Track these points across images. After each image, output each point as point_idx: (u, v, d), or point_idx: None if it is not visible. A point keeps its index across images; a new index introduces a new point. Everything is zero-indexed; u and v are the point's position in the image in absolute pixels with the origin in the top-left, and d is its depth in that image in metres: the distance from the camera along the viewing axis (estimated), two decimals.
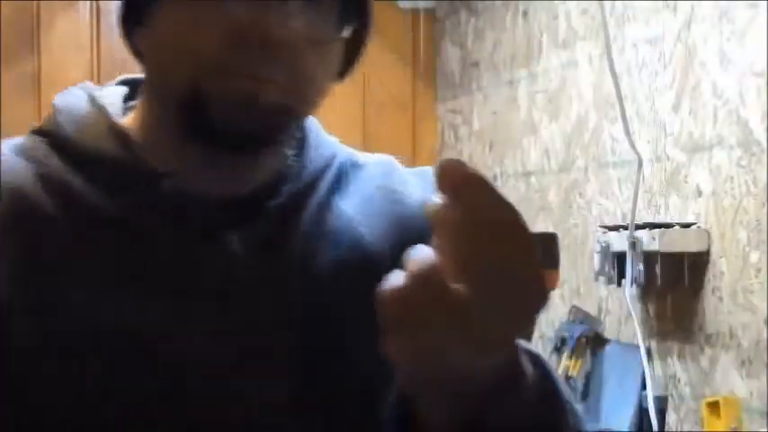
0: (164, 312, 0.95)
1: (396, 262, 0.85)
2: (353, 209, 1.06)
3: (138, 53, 1.01)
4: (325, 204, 1.05)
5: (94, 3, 3.82)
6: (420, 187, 1.12)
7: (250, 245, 1.00)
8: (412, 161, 4.23)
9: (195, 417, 0.95)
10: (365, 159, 1.13)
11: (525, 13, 3.44)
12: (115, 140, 1.00)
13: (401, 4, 4.07)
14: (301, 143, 1.08)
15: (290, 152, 1.06)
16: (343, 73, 1.06)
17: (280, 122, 0.98)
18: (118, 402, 0.93)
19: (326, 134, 1.14)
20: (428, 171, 1.13)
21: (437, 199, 0.75)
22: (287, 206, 1.03)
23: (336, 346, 1.00)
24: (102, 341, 0.94)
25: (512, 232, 0.74)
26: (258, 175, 1.03)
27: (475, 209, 0.74)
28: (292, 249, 1.01)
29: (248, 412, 0.96)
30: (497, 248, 0.73)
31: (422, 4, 4.08)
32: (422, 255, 0.74)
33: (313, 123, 1.12)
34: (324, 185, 1.06)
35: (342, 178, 1.09)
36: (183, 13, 0.96)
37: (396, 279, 0.74)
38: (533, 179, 3.37)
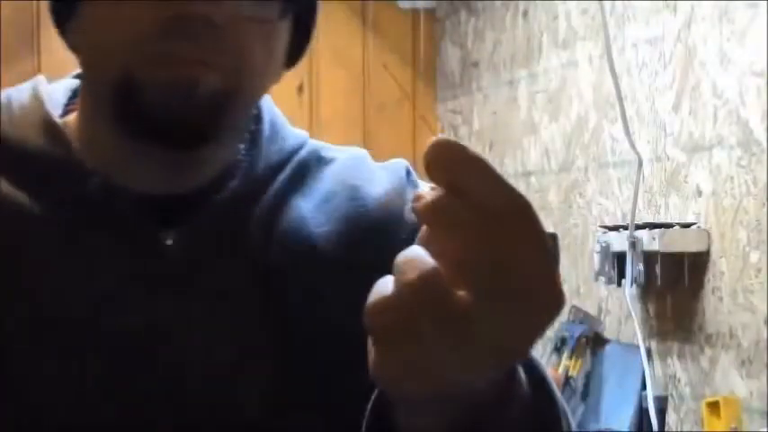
0: (87, 312, 0.91)
1: (353, 264, 0.81)
2: (311, 207, 0.99)
3: (74, 48, 0.95)
4: (279, 202, 0.98)
5: None
6: (387, 182, 1.02)
7: (185, 245, 0.94)
8: (412, 161, 4.23)
9: (134, 416, 0.91)
10: (333, 154, 1.04)
11: (525, 13, 3.44)
12: (47, 135, 0.95)
13: (401, 4, 4.07)
14: (255, 137, 1.00)
15: (241, 146, 0.99)
16: (291, 61, 1.00)
17: (221, 112, 0.90)
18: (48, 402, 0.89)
19: (290, 127, 1.05)
20: (400, 165, 1.05)
21: (426, 187, 0.63)
22: (232, 204, 0.96)
23: (277, 349, 0.94)
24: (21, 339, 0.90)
25: (522, 226, 0.61)
26: (206, 171, 0.97)
27: (477, 199, 0.60)
28: (233, 250, 0.95)
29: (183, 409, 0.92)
30: (505, 246, 0.60)
31: (422, 4, 4.08)
32: (414, 256, 0.61)
33: (273, 116, 1.03)
34: (279, 182, 0.98)
35: (302, 174, 1.01)
36: None
37: (384, 287, 0.62)
38: (533, 179, 3.37)
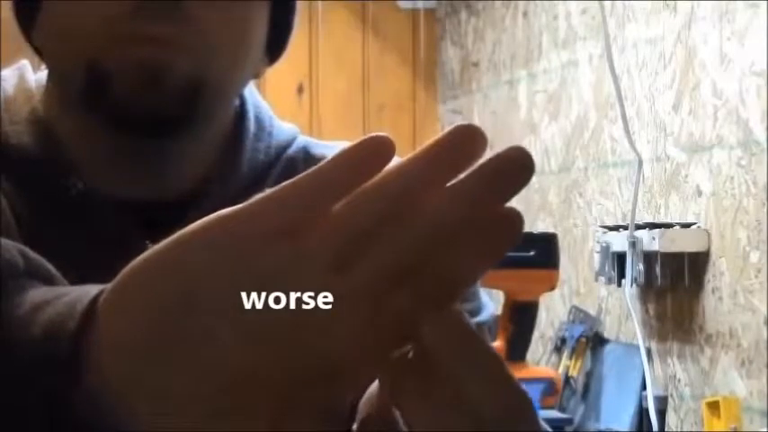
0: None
1: None
2: None
3: (39, 46, 0.92)
4: None
5: None
6: None
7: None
8: None
9: None
10: (322, 150, 0.99)
11: (525, 13, 3.44)
12: (35, 132, 0.90)
13: (401, 4, 4.07)
14: (239, 134, 0.95)
15: (224, 145, 0.94)
16: (273, 55, 0.96)
17: (194, 98, 0.85)
18: None
19: (278, 123, 1.00)
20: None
21: None
22: (217, 208, 0.93)
23: None
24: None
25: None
26: (186, 171, 0.92)
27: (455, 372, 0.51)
28: None
29: None
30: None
31: (422, 4, 4.08)
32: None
33: (258, 112, 0.98)
34: (267, 184, 0.92)
35: (291, 174, 0.97)
36: None
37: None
38: (533, 179, 3.36)
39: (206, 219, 0.52)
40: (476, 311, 1.00)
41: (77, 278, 0.84)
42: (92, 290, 0.55)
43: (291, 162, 0.96)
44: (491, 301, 1.05)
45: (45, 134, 0.91)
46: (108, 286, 0.53)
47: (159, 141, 0.89)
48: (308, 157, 0.97)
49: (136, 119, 0.85)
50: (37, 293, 0.57)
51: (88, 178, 0.89)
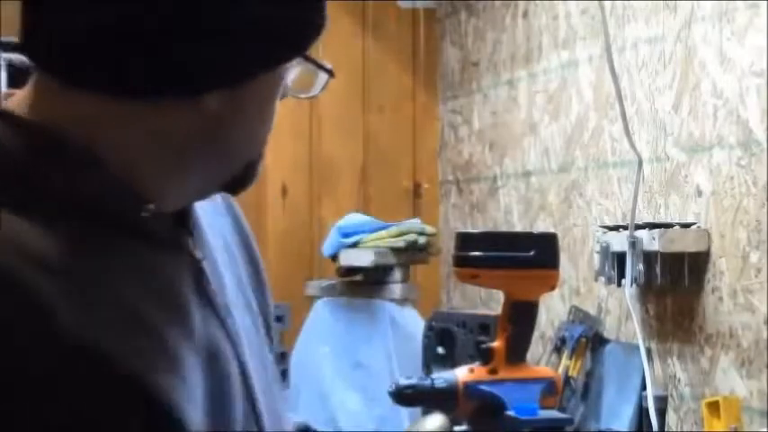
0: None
1: None
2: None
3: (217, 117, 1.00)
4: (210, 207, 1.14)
5: None
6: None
7: (203, 256, 1.05)
8: (412, 161, 4.24)
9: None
10: None
11: (525, 13, 3.44)
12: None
13: (401, 4, 4.07)
14: None
15: None
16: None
17: None
18: None
19: None
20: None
21: None
22: (195, 211, 1.07)
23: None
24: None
25: None
26: None
27: None
28: (215, 260, 1.08)
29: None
30: None
31: (422, 4, 4.08)
32: None
33: None
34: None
35: None
36: (264, 106, 1.04)
37: None
38: (533, 179, 3.37)
39: None
40: None
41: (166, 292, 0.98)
42: None
43: None
44: None
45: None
46: None
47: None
48: None
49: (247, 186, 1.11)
50: None
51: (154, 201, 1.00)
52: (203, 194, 1.06)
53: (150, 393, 0.90)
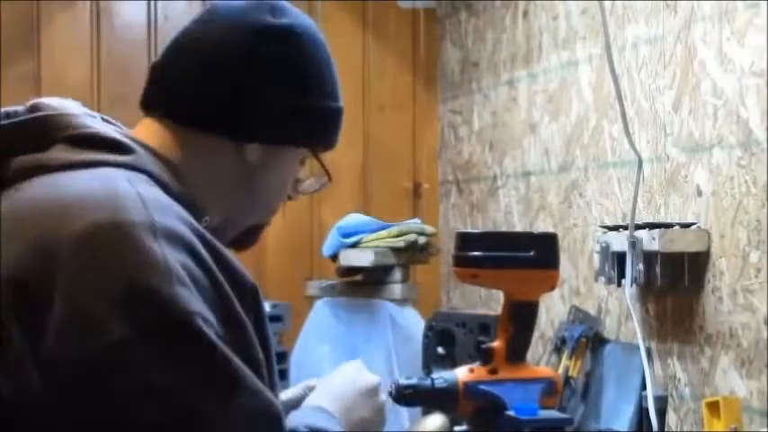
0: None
1: None
2: None
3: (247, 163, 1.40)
4: None
5: (94, 3, 3.82)
6: None
7: None
8: (412, 161, 4.24)
9: None
10: None
11: (525, 13, 3.44)
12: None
13: (401, 4, 4.07)
14: None
15: None
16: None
17: None
18: None
19: None
20: None
21: None
22: None
23: None
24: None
25: None
26: None
27: None
28: None
29: None
30: None
31: (422, 4, 4.08)
32: None
33: None
34: None
35: None
36: (293, 167, 1.47)
37: None
38: (533, 179, 3.37)
39: None
40: None
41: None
42: None
43: None
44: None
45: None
46: None
47: None
48: None
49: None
50: None
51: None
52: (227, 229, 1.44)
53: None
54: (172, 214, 1.22)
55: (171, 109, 1.37)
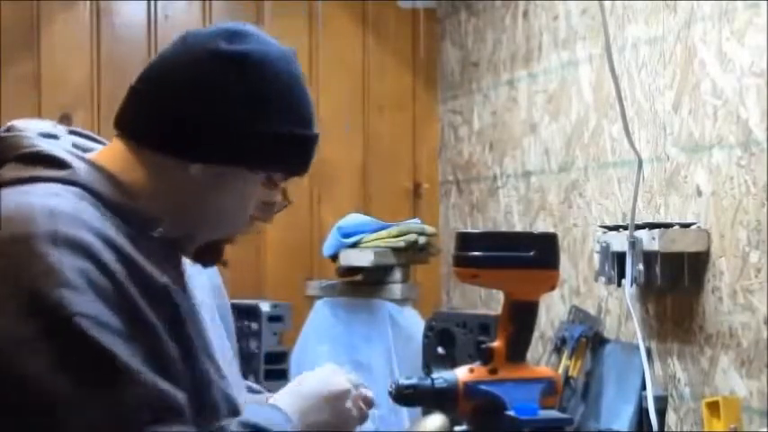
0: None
1: None
2: None
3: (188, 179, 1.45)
4: None
5: (94, 3, 3.82)
6: None
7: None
8: (412, 161, 4.24)
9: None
10: None
11: (525, 13, 3.44)
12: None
13: (401, 4, 4.07)
14: None
15: None
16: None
17: None
18: None
19: None
20: None
21: None
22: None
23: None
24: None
25: None
26: None
27: None
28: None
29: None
30: None
31: (422, 4, 4.08)
32: None
33: None
34: None
35: None
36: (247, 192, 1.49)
37: None
38: (533, 179, 3.37)
39: None
40: None
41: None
42: None
43: None
44: None
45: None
46: None
47: None
48: None
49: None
50: None
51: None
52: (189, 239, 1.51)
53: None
54: (80, 224, 1.33)
55: (131, 130, 1.46)
